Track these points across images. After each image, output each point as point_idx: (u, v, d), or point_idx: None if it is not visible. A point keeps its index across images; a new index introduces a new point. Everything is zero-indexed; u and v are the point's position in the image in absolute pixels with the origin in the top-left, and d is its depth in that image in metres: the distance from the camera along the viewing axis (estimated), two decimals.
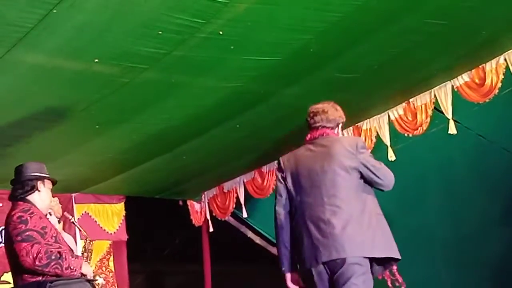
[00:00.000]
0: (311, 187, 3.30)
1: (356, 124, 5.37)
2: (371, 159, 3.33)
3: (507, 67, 4.42)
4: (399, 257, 3.29)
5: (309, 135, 3.49)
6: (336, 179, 3.25)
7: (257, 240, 7.12)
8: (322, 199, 3.25)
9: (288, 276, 3.37)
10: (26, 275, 3.48)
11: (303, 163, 3.37)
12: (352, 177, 3.26)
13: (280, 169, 3.50)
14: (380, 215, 3.31)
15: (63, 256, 3.47)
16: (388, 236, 3.30)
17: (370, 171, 3.27)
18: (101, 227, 6.55)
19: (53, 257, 3.42)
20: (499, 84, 4.48)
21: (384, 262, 3.33)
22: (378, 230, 3.25)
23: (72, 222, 4.51)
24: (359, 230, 3.20)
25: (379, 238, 3.25)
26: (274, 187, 6.11)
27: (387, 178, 3.31)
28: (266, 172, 6.18)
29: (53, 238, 3.56)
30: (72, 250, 3.88)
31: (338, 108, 3.49)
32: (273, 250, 7.10)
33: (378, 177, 3.28)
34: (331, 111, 3.46)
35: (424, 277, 6.21)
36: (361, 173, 3.28)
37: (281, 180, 3.44)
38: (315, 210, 3.26)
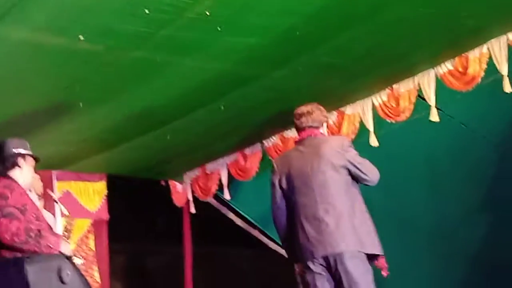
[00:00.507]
0: (304, 187, 3.54)
1: (340, 109, 5.40)
2: (357, 157, 3.57)
3: (490, 57, 4.47)
4: (383, 254, 3.55)
5: (298, 137, 3.76)
6: (326, 178, 3.49)
7: (239, 222, 7.15)
8: (314, 198, 3.49)
9: (297, 267, 3.67)
10: (4, 251, 3.49)
11: (295, 164, 3.61)
12: (341, 175, 3.50)
13: (274, 173, 3.75)
14: (366, 212, 3.55)
15: (42, 234, 3.47)
16: (374, 233, 3.54)
17: (357, 168, 3.51)
18: (82, 206, 6.53)
19: (32, 235, 3.42)
20: (482, 73, 4.52)
21: (370, 258, 3.57)
22: (367, 226, 3.50)
23: (55, 201, 4.49)
24: (352, 226, 3.43)
25: (369, 234, 3.50)
26: (257, 170, 6.16)
27: (372, 174, 3.57)
28: (249, 155, 6.20)
29: (34, 215, 3.55)
30: (52, 229, 3.88)
31: (322, 108, 3.75)
32: (255, 233, 7.16)
33: (365, 174, 3.52)
34: (316, 113, 3.72)
35: (406, 266, 6.30)
36: (349, 170, 3.51)
37: (275, 184, 3.71)
38: (309, 209, 3.50)
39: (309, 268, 3.53)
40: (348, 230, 3.43)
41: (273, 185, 3.75)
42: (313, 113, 3.70)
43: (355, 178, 3.55)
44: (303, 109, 3.77)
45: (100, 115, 5.00)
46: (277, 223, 3.78)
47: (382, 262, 3.62)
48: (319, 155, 3.54)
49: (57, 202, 4.48)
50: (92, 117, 5.02)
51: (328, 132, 5.42)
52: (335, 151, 3.54)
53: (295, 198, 3.61)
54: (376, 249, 3.56)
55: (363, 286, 3.44)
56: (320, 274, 3.51)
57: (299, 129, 3.76)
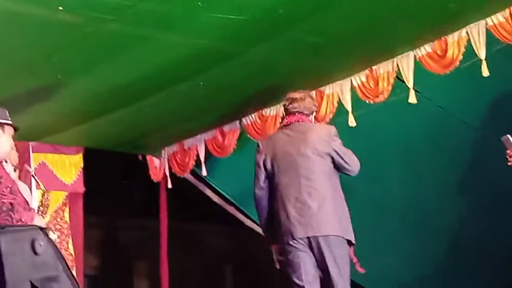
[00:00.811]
0: (288, 169, 3.65)
1: (319, 89, 5.41)
2: (342, 147, 3.70)
3: (468, 41, 4.51)
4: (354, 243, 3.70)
5: (286, 120, 3.85)
6: (312, 163, 3.62)
7: (215, 198, 7.17)
8: (298, 181, 3.60)
9: (273, 248, 3.77)
10: None
11: (281, 146, 3.72)
12: (326, 162, 3.64)
13: (259, 152, 3.82)
14: (345, 201, 3.70)
15: (15, 208, 3.42)
16: (349, 221, 3.68)
17: (341, 157, 3.65)
18: (58, 178, 6.48)
19: (4, 208, 3.38)
20: (460, 57, 4.56)
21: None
22: (346, 214, 3.65)
23: (32, 176, 4.44)
24: (334, 211, 3.57)
25: (347, 221, 3.65)
26: (234, 147, 6.17)
27: (354, 164, 3.70)
28: (227, 132, 6.20)
29: (8, 188, 3.50)
30: (27, 202, 3.84)
31: (314, 97, 3.96)
32: (231, 209, 7.18)
33: (347, 163, 3.66)
34: (308, 100, 3.84)
35: (382, 245, 6.40)
36: (332, 158, 3.65)
37: (259, 164, 3.77)
38: (292, 190, 3.62)
39: (289, 245, 3.62)
40: (331, 214, 3.55)
41: (257, 165, 3.81)
42: (305, 100, 3.82)
43: (336, 167, 3.68)
44: (296, 95, 3.87)
45: (79, 87, 4.95)
46: (258, 203, 3.84)
47: (351, 253, 3.75)
48: (306, 140, 3.65)
49: (34, 177, 4.43)
50: (71, 89, 4.97)
51: None
52: (321, 139, 3.66)
53: (279, 179, 3.70)
54: (351, 236, 3.68)
55: (341, 269, 3.57)
56: (302, 251, 3.61)
57: (289, 113, 3.85)
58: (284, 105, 3.92)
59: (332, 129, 3.81)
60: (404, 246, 6.48)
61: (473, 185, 5.97)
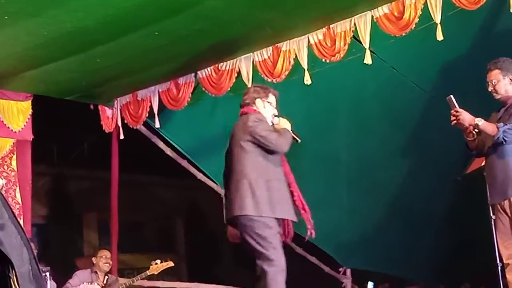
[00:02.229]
0: (231, 157, 3.96)
1: (276, 45, 5.38)
2: (260, 130, 3.84)
3: (425, 4, 4.53)
4: (295, 219, 3.90)
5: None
6: (238, 150, 3.88)
7: (168, 151, 7.12)
8: (233, 166, 3.89)
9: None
10: None
11: (232, 135, 4.00)
12: (249, 148, 3.83)
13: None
14: (275, 180, 3.84)
15: None
16: (285, 199, 3.86)
17: (259, 140, 3.82)
18: (5, 124, 6.29)
19: None
20: (416, 20, 4.60)
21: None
22: (274, 192, 3.80)
23: None
24: (254, 193, 3.77)
25: (279, 200, 3.81)
26: (189, 100, 6.12)
27: (278, 144, 3.84)
28: (182, 84, 6.13)
29: None
30: None
31: (259, 90, 4.08)
32: (183, 163, 7.16)
33: (268, 145, 3.82)
34: (251, 92, 4.09)
35: (326, 198, 6.53)
36: (256, 143, 3.84)
37: (227, 150, 4.03)
38: (228, 175, 3.96)
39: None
40: (252, 196, 3.76)
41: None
42: (248, 93, 4.08)
43: (264, 149, 3.84)
44: (245, 90, 4.22)
45: (27, 30, 4.78)
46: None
47: (284, 226, 3.90)
48: (239, 129, 3.92)
49: None
50: (18, 32, 4.79)
51: (262, 68, 5.47)
52: (245, 126, 3.87)
53: (226, 165, 4.04)
54: (287, 214, 3.86)
55: (263, 247, 3.73)
56: (233, 236, 4.01)
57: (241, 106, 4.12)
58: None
59: (252, 116, 3.94)
60: (347, 197, 6.67)
61: (418, 145, 6.12)
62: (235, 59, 5.66)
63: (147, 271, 5.98)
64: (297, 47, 5.28)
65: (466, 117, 3.71)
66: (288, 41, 5.32)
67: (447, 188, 6.38)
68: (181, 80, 6.14)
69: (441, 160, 6.04)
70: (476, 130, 3.76)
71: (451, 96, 3.76)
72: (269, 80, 5.44)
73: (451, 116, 3.75)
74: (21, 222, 6.13)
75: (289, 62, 5.33)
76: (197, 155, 7.02)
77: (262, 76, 5.50)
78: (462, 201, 6.32)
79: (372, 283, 7.95)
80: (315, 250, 7.54)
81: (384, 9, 4.75)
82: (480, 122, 3.70)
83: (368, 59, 4.93)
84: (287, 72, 5.35)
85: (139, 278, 6.04)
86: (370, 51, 4.93)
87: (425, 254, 7.02)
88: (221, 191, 6.95)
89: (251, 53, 5.55)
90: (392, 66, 5.44)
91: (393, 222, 6.64)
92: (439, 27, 4.51)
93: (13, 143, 6.46)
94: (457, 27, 4.70)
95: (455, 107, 3.74)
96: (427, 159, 6.24)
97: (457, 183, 6.20)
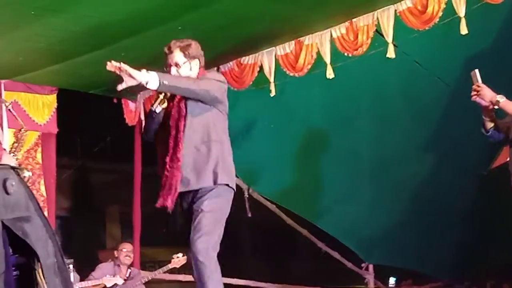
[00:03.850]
0: None
1: (299, 39, 5.38)
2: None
3: None
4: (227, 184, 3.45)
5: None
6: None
7: None
8: None
9: None
10: None
11: None
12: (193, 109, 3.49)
13: None
14: (217, 142, 3.46)
15: None
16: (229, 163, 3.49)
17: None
18: (30, 117, 6.39)
19: None
20: (440, 14, 4.56)
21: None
22: (219, 158, 3.43)
23: (9, 110, 4.32)
24: (201, 161, 3.42)
25: (220, 166, 3.43)
26: None
27: (198, 88, 3.46)
28: None
29: None
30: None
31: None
32: None
33: (195, 94, 3.45)
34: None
35: (348, 193, 6.51)
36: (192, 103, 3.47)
37: None
38: None
39: None
40: (198, 165, 3.46)
41: None
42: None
43: (203, 103, 3.51)
44: None
45: (53, 25, 4.84)
46: None
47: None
48: None
49: (11, 111, 4.29)
50: (44, 27, 4.86)
51: (285, 62, 5.46)
52: None
53: None
54: (227, 179, 3.47)
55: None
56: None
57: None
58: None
59: None
60: (369, 192, 6.62)
61: (441, 140, 6.06)
62: (257, 54, 5.67)
63: (169, 265, 6.01)
64: (320, 41, 5.27)
65: (487, 93, 3.57)
66: (310, 35, 5.32)
67: (471, 183, 6.31)
68: None
69: (465, 155, 5.98)
70: (496, 107, 3.62)
71: (476, 70, 3.63)
72: (291, 74, 5.44)
73: (472, 91, 3.62)
74: (46, 214, 6.22)
75: (312, 56, 5.33)
76: None
77: (284, 70, 5.50)
78: (486, 196, 6.26)
79: (395, 279, 7.92)
80: (338, 246, 7.53)
81: (407, 3, 4.72)
82: (502, 99, 3.55)
83: (391, 53, 4.90)
84: (309, 66, 5.35)
85: (161, 271, 6.08)
86: (393, 45, 4.90)
87: (449, 250, 6.97)
88: (244, 185, 6.99)
89: (274, 47, 5.55)
90: (415, 60, 5.40)
91: (416, 218, 6.60)
92: (463, 20, 4.47)
93: (38, 136, 6.55)
94: (481, 21, 4.65)
95: (478, 81, 3.62)
96: (450, 154, 6.18)
97: (481, 178, 6.15)
